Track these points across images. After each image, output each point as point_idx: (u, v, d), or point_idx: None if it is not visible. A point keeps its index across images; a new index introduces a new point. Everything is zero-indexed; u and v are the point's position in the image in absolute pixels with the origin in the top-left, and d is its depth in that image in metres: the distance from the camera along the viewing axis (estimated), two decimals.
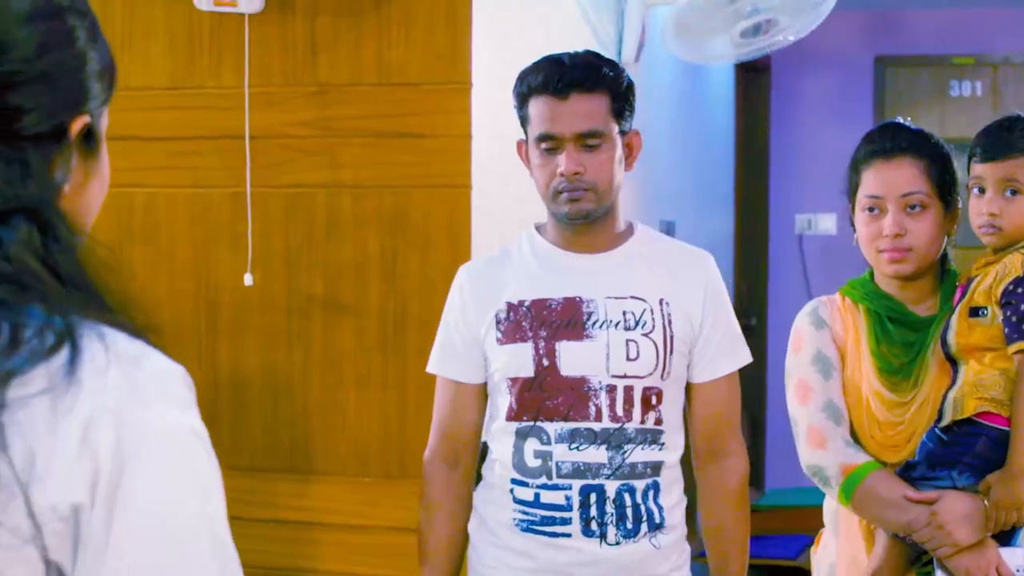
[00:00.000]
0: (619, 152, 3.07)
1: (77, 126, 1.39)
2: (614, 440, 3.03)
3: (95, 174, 1.44)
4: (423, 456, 3.27)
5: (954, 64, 8.88)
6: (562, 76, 3.02)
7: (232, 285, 4.09)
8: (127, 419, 1.26)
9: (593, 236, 3.13)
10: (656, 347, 3.05)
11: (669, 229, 6.20)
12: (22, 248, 1.29)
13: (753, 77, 8.63)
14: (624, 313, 3.05)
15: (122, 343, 1.31)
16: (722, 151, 8.07)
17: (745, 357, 3.21)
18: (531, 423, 3.06)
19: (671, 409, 3.10)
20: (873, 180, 3.08)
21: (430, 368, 3.24)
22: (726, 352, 3.16)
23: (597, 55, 3.11)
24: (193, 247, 4.17)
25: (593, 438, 3.03)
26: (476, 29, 3.92)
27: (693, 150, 7.14)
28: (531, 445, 3.06)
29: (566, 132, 3.02)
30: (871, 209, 3.08)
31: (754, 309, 8.54)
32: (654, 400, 3.06)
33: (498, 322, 3.10)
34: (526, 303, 3.09)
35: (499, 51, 4.10)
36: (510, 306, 3.10)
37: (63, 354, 1.26)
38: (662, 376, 3.07)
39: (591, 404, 3.02)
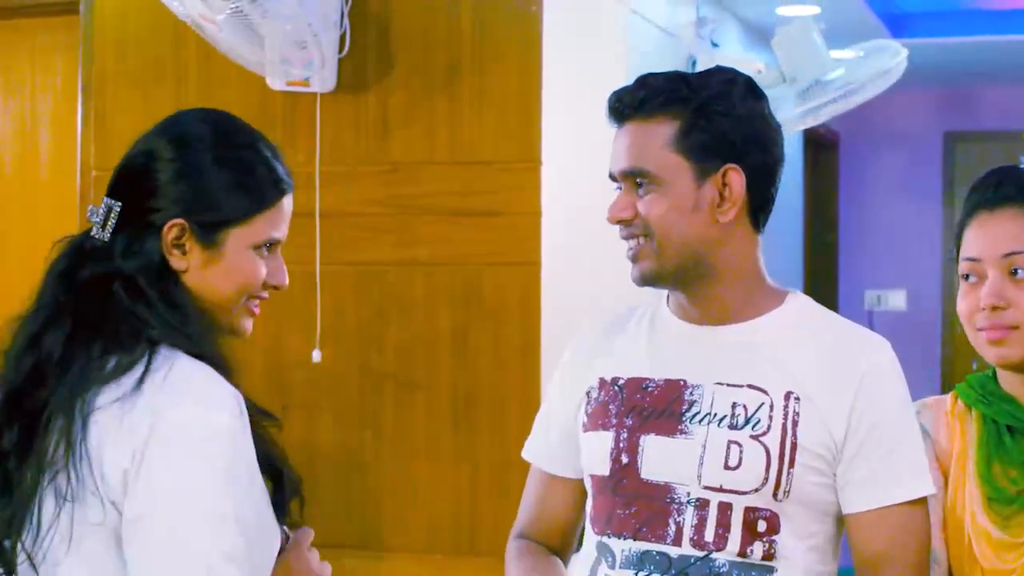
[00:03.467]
0: (685, 197, 2.28)
1: (167, 227, 2.06)
2: (694, 573, 2.24)
3: (215, 263, 2.09)
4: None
5: None
6: (620, 97, 2.36)
7: (302, 362, 4.11)
8: (160, 415, 1.92)
9: (709, 301, 2.35)
10: (768, 455, 2.24)
11: None
12: (124, 295, 2.05)
13: (822, 152, 8.62)
14: (734, 406, 2.27)
15: (184, 365, 1.98)
16: (791, 226, 8.04)
17: (918, 487, 2.28)
18: (600, 537, 2.34)
19: (799, 542, 2.27)
20: (972, 238, 2.35)
21: (523, 452, 2.59)
22: (886, 475, 2.26)
23: (702, 74, 2.38)
24: (264, 324, 4.19)
25: (666, 566, 2.26)
26: (546, 108, 3.94)
27: None
28: (603, 568, 2.33)
29: (615, 168, 2.34)
30: (967, 276, 2.35)
31: None
32: (762, 527, 2.24)
33: (588, 402, 2.42)
34: (620, 381, 2.37)
35: (569, 129, 4.12)
36: (602, 383, 2.40)
37: (136, 373, 1.96)
38: (775, 495, 2.24)
39: (671, 521, 2.27)
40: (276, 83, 4.02)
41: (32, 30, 5.30)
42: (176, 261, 2.08)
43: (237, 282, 2.12)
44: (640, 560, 2.28)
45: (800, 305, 2.39)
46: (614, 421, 2.34)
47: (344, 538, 4.10)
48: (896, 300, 8.58)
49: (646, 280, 2.33)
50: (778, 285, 2.41)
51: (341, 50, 4.04)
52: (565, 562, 2.51)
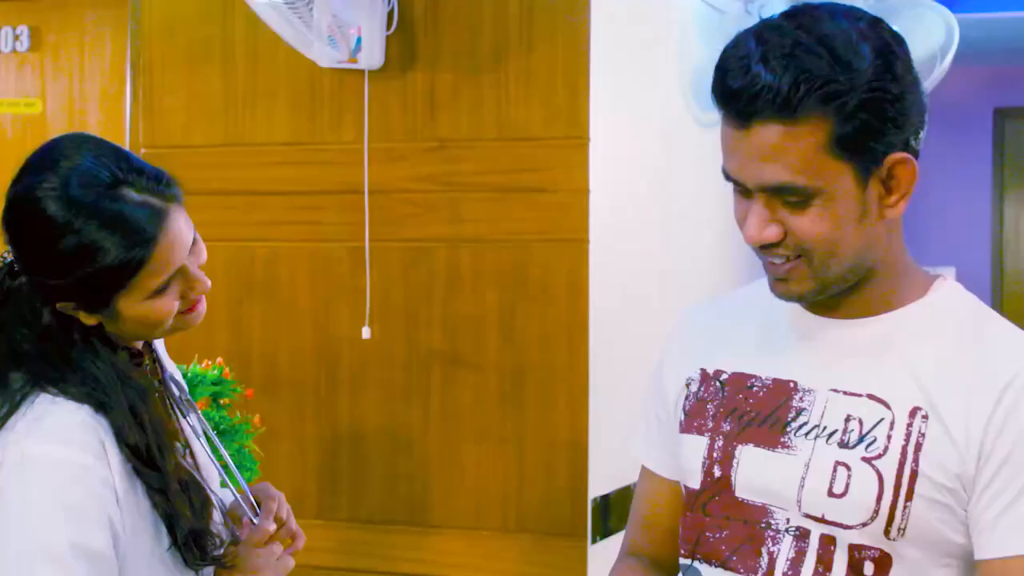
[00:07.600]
0: (850, 205, 1.85)
1: (58, 306, 2.08)
2: None
3: (124, 318, 2.07)
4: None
5: None
6: (738, 91, 1.82)
7: (351, 339, 4.12)
8: (12, 448, 1.98)
9: (852, 298, 1.96)
10: (881, 482, 1.84)
11: None
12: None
13: None
14: (847, 419, 1.89)
15: (44, 405, 2.01)
16: None
17: None
18: (688, 560, 2.01)
19: None
20: None
21: (628, 443, 2.26)
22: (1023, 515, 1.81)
23: (845, 41, 1.80)
24: (312, 301, 4.20)
25: None
26: (594, 84, 3.93)
27: None
28: None
29: (748, 181, 1.87)
30: None
31: None
32: (869, 569, 1.85)
33: (687, 396, 2.08)
34: (723, 376, 2.02)
35: (617, 105, 4.11)
36: (704, 376, 2.06)
37: (4, 411, 2.02)
38: (887, 532, 1.84)
39: (764, 551, 1.91)
40: (324, 61, 4.02)
41: (81, 9, 5.32)
42: (84, 319, 2.08)
43: (150, 324, 2.10)
44: None
45: (945, 296, 1.98)
46: (710, 424, 2.00)
47: (391, 514, 4.10)
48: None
49: (797, 300, 1.96)
50: (926, 269, 2.05)
51: (389, 27, 4.04)
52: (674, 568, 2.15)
